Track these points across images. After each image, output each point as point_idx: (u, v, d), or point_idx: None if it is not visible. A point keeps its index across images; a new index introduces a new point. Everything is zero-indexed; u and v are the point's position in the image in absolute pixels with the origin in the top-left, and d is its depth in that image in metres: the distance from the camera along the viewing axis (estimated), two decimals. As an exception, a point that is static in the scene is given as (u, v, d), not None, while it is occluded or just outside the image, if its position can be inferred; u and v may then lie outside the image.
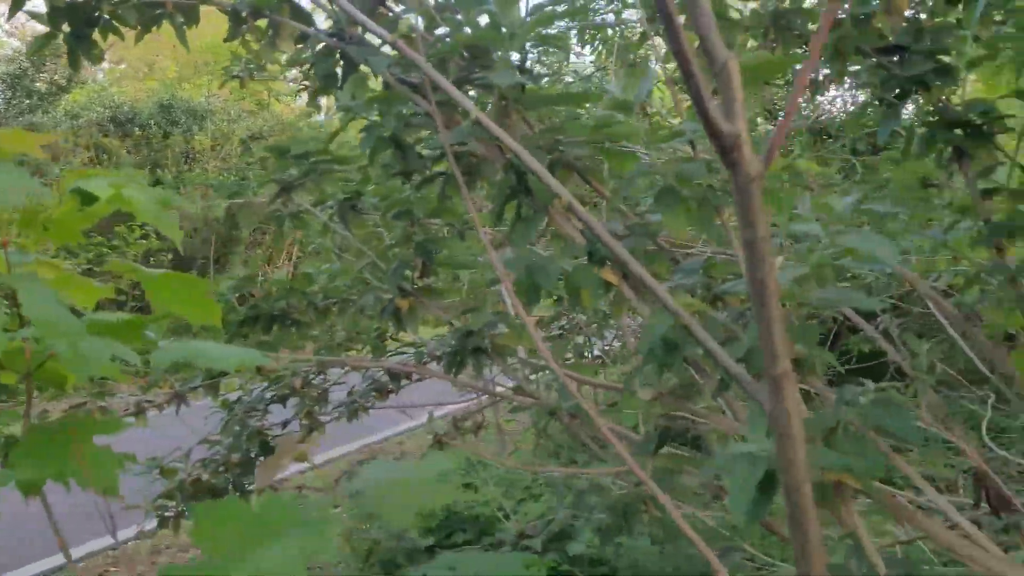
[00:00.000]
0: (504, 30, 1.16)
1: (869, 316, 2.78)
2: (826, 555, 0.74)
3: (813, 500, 1.04)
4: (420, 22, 1.47)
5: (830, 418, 1.04)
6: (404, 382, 2.24)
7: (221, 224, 14.33)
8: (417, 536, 4.30)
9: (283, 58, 1.67)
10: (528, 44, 1.36)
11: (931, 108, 1.67)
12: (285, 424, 2.14)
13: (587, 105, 1.68)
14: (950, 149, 1.66)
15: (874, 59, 1.72)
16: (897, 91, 1.69)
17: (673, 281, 1.18)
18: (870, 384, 1.05)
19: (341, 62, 1.38)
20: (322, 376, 2.29)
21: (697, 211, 1.09)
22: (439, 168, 1.50)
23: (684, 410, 1.34)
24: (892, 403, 0.99)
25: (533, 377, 1.83)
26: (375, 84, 1.51)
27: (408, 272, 1.59)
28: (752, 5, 1.75)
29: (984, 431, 2.10)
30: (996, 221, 1.59)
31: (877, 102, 1.73)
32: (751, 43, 2.01)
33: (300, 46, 1.65)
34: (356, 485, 1.09)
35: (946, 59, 1.67)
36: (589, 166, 1.34)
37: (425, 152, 1.36)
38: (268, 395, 2.07)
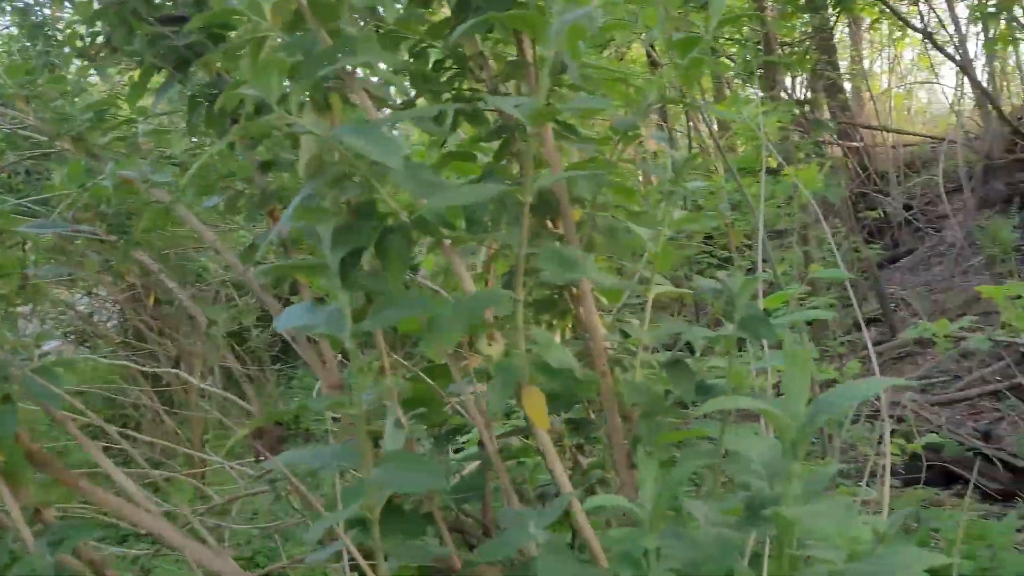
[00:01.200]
0: None
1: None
2: None
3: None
4: None
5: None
6: None
7: None
8: None
9: None
10: None
11: (208, 79, 1.70)
12: None
13: None
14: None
15: (157, 28, 1.70)
16: (176, 61, 1.70)
17: None
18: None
19: None
20: None
21: None
22: None
23: None
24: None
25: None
26: None
27: None
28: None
29: (316, 391, 2.24)
30: (267, 191, 1.67)
31: (157, 70, 1.72)
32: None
33: None
34: None
35: (222, 31, 1.71)
36: None
37: None
38: None
